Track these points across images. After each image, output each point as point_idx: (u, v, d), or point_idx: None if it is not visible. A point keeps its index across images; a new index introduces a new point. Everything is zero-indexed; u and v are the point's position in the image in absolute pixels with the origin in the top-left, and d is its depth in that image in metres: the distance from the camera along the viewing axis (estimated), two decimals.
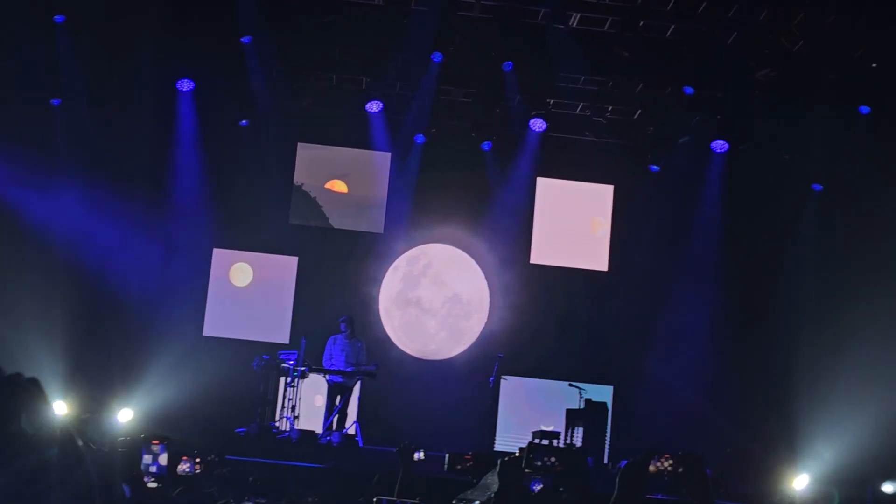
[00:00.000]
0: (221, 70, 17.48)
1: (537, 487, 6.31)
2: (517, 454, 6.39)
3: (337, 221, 19.35)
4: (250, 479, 9.35)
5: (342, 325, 17.14)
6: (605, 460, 16.88)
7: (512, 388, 18.53)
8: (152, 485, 6.61)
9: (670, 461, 5.65)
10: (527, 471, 6.42)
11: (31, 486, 4.66)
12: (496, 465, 6.27)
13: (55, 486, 4.72)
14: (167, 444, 6.90)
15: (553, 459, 6.35)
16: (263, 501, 7.68)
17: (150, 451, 6.78)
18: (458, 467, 7.18)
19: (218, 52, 17.09)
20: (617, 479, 5.75)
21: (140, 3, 16.18)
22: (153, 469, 6.76)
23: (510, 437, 17.26)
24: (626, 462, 6.10)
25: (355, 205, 19.45)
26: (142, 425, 13.20)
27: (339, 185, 19.40)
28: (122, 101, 17.20)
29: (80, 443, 5.08)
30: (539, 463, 6.34)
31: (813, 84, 16.69)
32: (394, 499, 5.89)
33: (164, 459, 6.82)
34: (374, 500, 6.04)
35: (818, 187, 18.53)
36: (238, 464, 13.06)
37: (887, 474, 15.50)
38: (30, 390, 4.87)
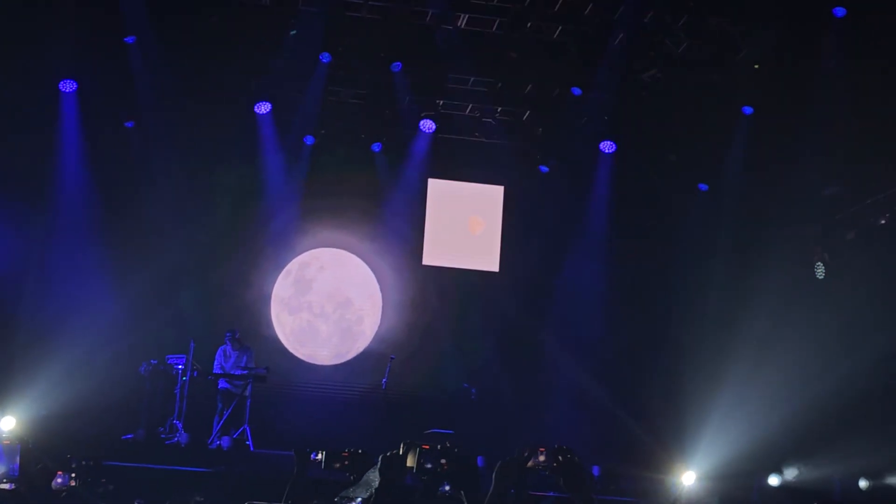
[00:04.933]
0: (105, 71, 17.11)
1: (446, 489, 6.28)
2: (399, 450, 6.33)
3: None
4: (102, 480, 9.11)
5: (227, 339, 16.94)
6: None
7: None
8: (4, 486, 6.41)
9: (545, 455, 5.66)
10: (419, 475, 6.39)
11: None
12: (373, 461, 6.24)
13: None
14: (22, 447, 6.71)
15: (442, 461, 6.31)
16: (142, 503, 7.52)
17: (5, 453, 6.61)
18: (336, 465, 7.11)
19: (101, 53, 16.76)
20: (493, 475, 5.74)
21: (21, 1, 15.82)
22: (9, 471, 6.58)
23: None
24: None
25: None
26: (25, 433, 12.92)
27: None
28: (2, 101, 16.74)
29: None
30: (429, 465, 6.30)
31: (698, 85, 16.95)
32: None
33: (17, 461, 6.64)
34: None
35: (704, 187, 18.79)
36: (124, 470, 12.85)
37: (773, 468, 15.85)
38: None
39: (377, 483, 5.88)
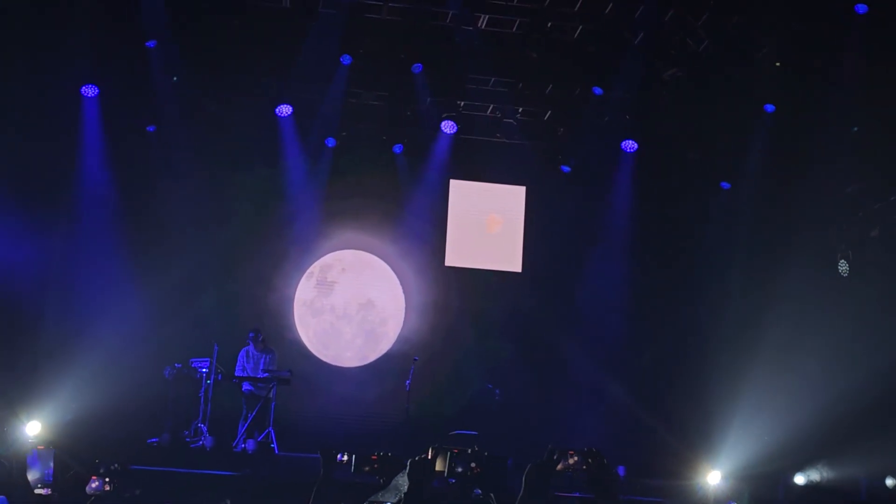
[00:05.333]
0: (127, 75, 17.19)
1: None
2: (428, 454, 6.33)
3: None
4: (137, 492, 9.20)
5: (250, 339, 16.97)
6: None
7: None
8: (39, 491, 6.50)
9: (575, 458, 5.65)
10: (449, 479, 6.40)
11: None
12: (402, 465, 6.24)
13: None
14: (55, 451, 6.77)
15: (473, 465, 6.31)
16: None
17: (39, 458, 6.66)
18: (366, 469, 7.10)
19: (123, 58, 16.84)
20: (524, 478, 5.73)
21: (41, 7, 15.88)
22: (44, 476, 6.64)
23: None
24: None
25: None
26: (51, 438, 12.99)
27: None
28: (24, 107, 16.82)
29: None
30: (460, 469, 6.30)
31: (719, 84, 16.91)
32: None
33: (51, 466, 6.70)
34: None
35: (727, 185, 18.73)
36: (150, 475, 12.90)
37: (798, 467, 15.79)
38: None
39: (406, 487, 5.88)
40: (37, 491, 6.37)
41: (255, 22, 16.35)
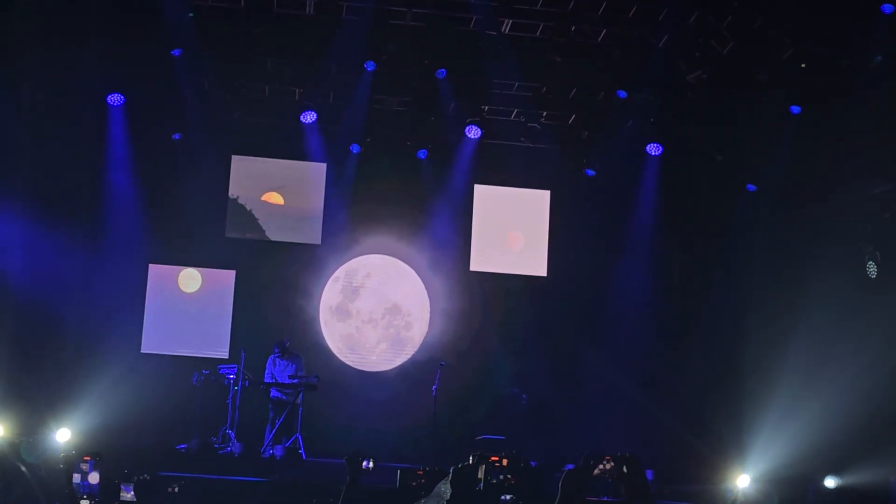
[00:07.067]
0: (152, 84, 17.27)
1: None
2: (470, 462, 6.35)
3: (274, 234, 19.17)
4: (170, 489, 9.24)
5: (276, 350, 17.03)
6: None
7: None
8: (84, 503, 6.53)
9: (612, 463, 5.66)
10: (488, 487, 6.42)
11: None
12: (445, 474, 6.26)
13: None
14: (97, 462, 6.78)
15: (508, 476, 6.34)
16: None
17: (78, 470, 6.68)
18: (413, 484, 7.12)
19: (148, 66, 16.92)
20: (560, 485, 5.74)
21: (68, 17, 15.96)
22: (84, 488, 6.66)
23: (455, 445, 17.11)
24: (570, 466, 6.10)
25: (292, 216, 19.27)
26: (80, 445, 13.04)
27: (275, 197, 19.21)
28: (51, 116, 16.92)
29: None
30: (495, 481, 6.33)
31: (744, 85, 16.84)
32: None
33: (94, 478, 6.70)
34: None
35: (752, 187, 18.66)
36: (178, 481, 12.93)
37: (830, 470, 15.70)
38: None
39: (449, 495, 5.89)
40: (82, 501, 6.41)
41: (278, 29, 16.35)
